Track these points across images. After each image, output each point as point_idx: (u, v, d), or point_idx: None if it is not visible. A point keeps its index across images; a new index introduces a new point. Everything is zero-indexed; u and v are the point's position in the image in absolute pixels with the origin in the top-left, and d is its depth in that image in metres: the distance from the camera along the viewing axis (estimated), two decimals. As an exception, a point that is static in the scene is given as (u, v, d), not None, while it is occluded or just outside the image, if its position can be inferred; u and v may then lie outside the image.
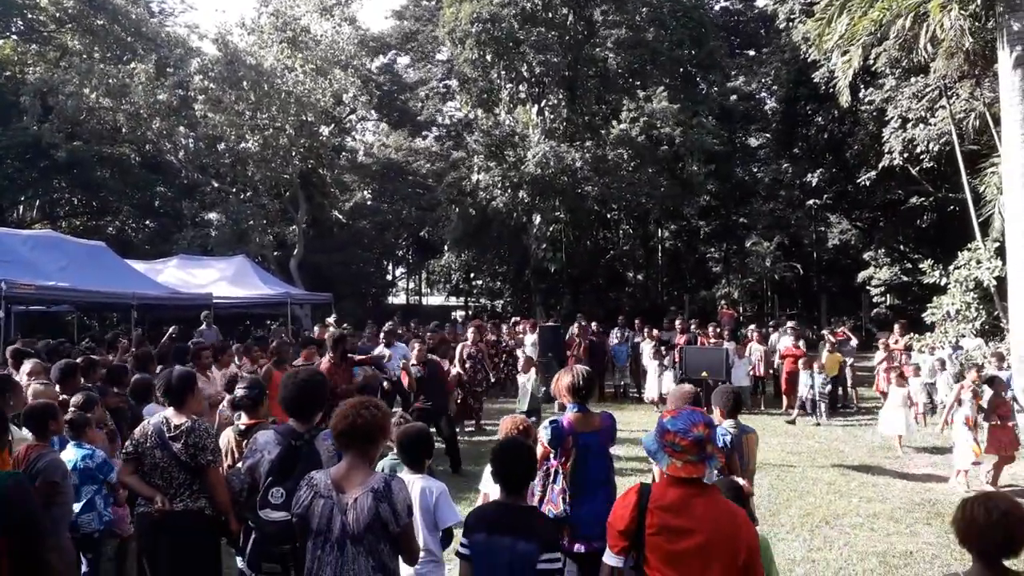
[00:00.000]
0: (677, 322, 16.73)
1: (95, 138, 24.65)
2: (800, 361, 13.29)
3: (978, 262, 14.99)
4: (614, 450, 4.78)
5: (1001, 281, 13.36)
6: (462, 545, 3.25)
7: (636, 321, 17.03)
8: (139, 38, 25.66)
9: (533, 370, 11.33)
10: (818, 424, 12.54)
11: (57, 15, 25.66)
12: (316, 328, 15.47)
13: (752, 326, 16.90)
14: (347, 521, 2.95)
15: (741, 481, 4.11)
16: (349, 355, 8.46)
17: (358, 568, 2.96)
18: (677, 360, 13.94)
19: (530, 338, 15.85)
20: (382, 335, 11.77)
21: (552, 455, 4.30)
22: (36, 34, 27.39)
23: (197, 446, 4.00)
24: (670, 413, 3.02)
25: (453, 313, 36.53)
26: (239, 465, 4.23)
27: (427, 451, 4.00)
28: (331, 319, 16.14)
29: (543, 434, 4.21)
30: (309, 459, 3.53)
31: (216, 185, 26.13)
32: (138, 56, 24.97)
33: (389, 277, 42.63)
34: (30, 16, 26.94)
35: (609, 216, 29.80)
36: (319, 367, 7.59)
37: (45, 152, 22.56)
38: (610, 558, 2.92)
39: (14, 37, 26.62)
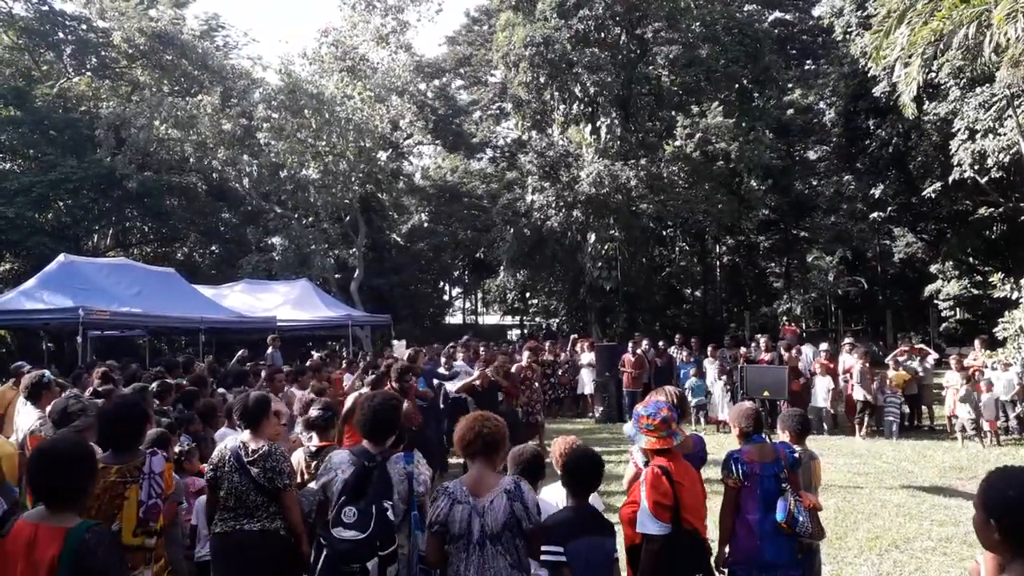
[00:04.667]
0: (762, 340, 15.55)
1: (164, 168, 25.64)
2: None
3: (1052, 275, 14.43)
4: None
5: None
6: (554, 554, 3.32)
7: (693, 340, 16.76)
8: (205, 71, 26.67)
9: None
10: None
11: (129, 51, 26.81)
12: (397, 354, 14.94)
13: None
14: (485, 522, 3.21)
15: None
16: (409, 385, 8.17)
17: (497, 567, 3.20)
18: (737, 379, 13.67)
19: (587, 357, 15.86)
20: (443, 359, 11.97)
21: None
22: (109, 70, 28.76)
23: (274, 470, 4.11)
24: (641, 404, 3.93)
25: (509, 332, 36.70)
26: (311, 485, 4.32)
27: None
28: (401, 343, 15.74)
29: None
30: (380, 481, 3.60)
31: (279, 211, 26.90)
32: (204, 88, 25.94)
33: (446, 297, 43.08)
34: (103, 53, 28.34)
35: (665, 233, 29.60)
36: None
37: (118, 183, 23.48)
38: (662, 528, 3.46)
39: (88, 74, 27.89)
